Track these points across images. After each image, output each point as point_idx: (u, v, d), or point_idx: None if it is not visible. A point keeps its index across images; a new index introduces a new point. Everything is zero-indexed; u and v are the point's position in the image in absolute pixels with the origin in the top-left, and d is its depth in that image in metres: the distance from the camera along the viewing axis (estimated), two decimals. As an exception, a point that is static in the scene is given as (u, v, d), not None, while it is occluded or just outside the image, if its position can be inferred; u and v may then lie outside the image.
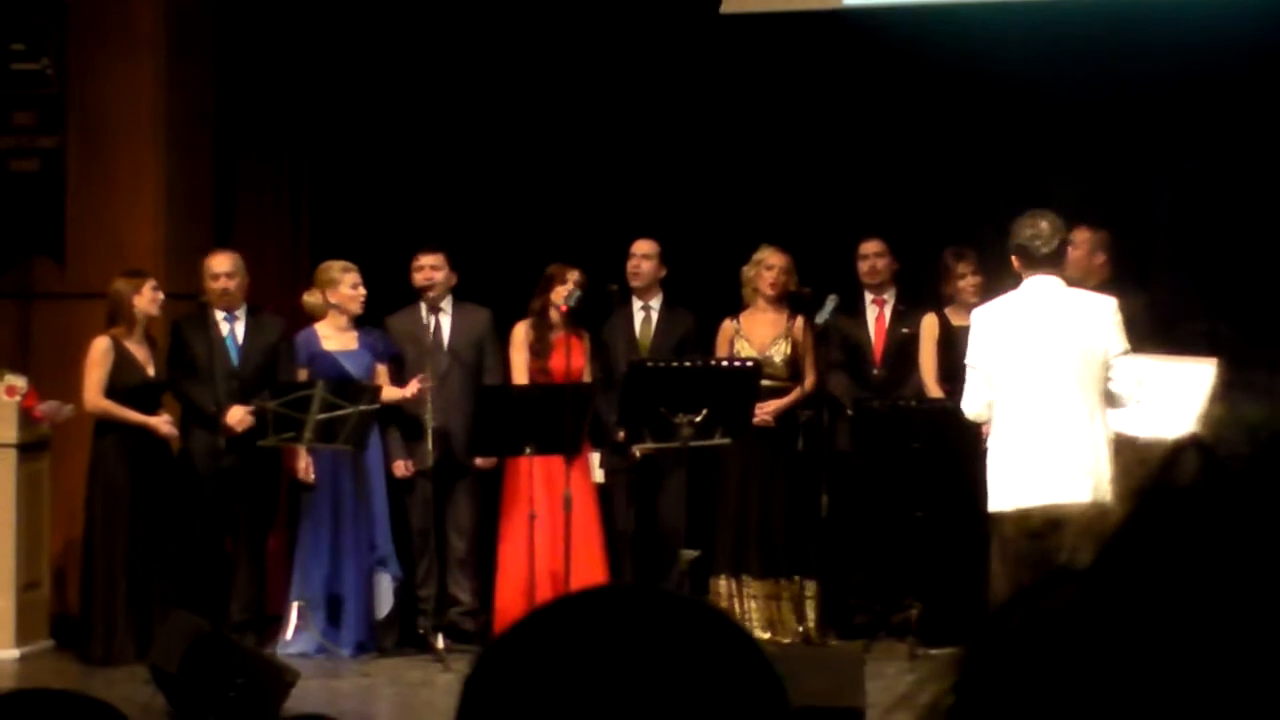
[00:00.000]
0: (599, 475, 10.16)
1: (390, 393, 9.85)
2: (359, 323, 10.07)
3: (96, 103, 10.68)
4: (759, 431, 9.76)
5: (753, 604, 9.92)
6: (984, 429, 8.91)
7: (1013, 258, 7.60)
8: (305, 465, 9.79)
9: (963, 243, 10.08)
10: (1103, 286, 7.64)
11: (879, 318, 10.29)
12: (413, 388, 9.83)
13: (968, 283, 9.93)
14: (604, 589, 1.23)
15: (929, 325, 10.00)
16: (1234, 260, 10.51)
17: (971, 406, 7.76)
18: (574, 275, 10.00)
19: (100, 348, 9.69)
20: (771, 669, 1.18)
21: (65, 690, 1.70)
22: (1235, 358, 8.24)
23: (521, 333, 10.11)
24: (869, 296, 10.31)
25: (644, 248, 10.35)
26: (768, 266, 10.03)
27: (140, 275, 9.77)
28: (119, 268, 9.87)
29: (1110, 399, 7.36)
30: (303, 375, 9.83)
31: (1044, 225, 7.52)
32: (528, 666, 1.15)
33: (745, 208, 10.90)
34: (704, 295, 10.41)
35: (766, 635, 9.77)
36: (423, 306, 10.07)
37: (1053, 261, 7.48)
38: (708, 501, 10.05)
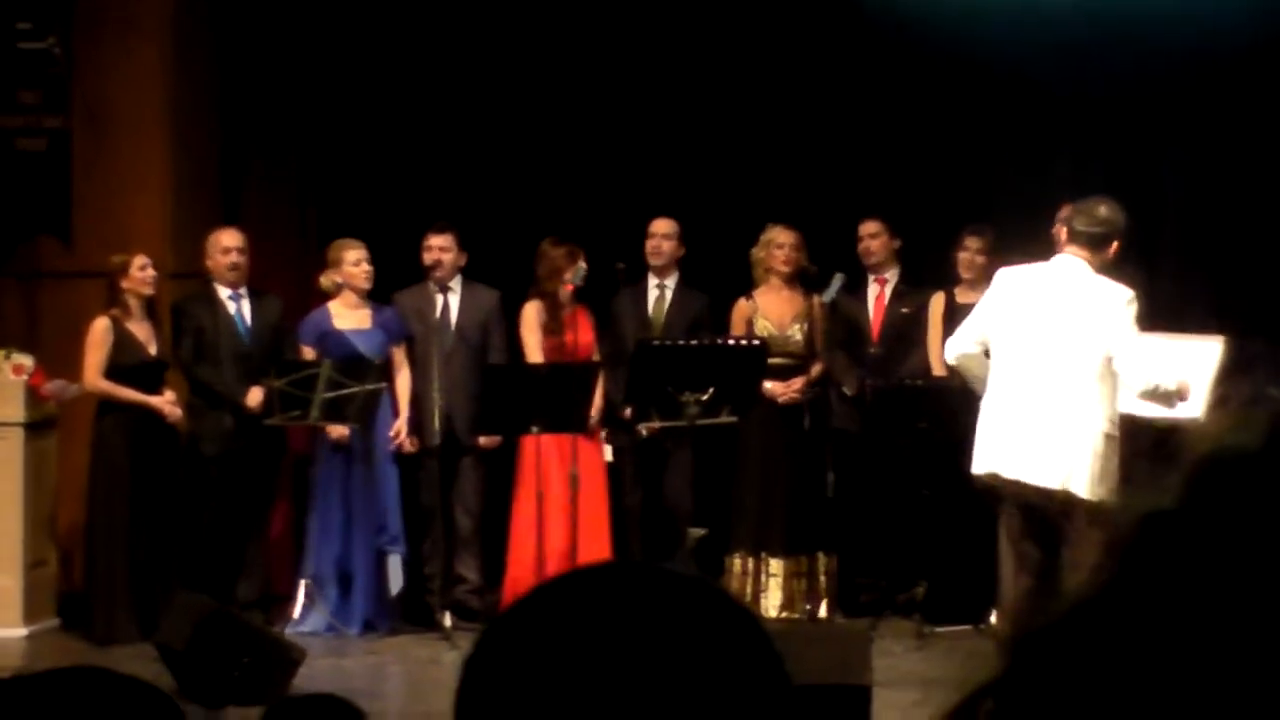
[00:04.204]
0: (609, 454, 10.16)
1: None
2: (374, 301, 10.06)
3: (103, 82, 10.66)
4: (781, 410, 9.77)
5: (772, 582, 9.91)
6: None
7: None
8: (339, 434, 9.68)
9: (971, 221, 10.06)
10: None
11: (879, 297, 10.29)
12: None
13: (969, 256, 9.90)
14: (601, 566, 1.24)
15: (936, 304, 9.97)
16: (1239, 250, 10.51)
17: (951, 349, 7.74)
18: (578, 254, 10.01)
19: (99, 328, 9.66)
20: (771, 646, 1.18)
21: (104, 669, 1.69)
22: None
23: (533, 312, 10.09)
24: (870, 276, 10.31)
25: (664, 227, 10.33)
26: (778, 245, 10.02)
27: (129, 253, 9.73)
28: (125, 247, 9.85)
29: (1119, 386, 7.31)
30: (309, 354, 9.82)
31: (1100, 210, 7.45)
32: (526, 646, 1.16)
33: (752, 188, 10.88)
34: (712, 276, 10.40)
35: (785, 614, 9.78)
36: (431, 285, 10.06)
37: (1085, 243, 7.39)
38: (716, 480, 10.05)
